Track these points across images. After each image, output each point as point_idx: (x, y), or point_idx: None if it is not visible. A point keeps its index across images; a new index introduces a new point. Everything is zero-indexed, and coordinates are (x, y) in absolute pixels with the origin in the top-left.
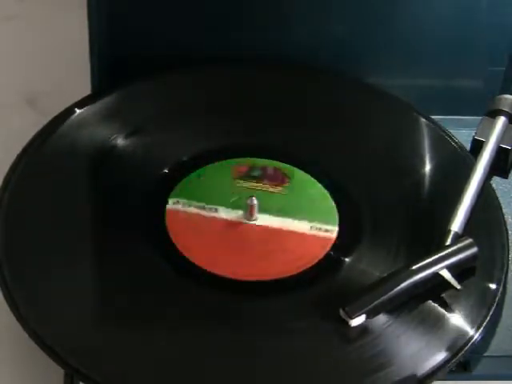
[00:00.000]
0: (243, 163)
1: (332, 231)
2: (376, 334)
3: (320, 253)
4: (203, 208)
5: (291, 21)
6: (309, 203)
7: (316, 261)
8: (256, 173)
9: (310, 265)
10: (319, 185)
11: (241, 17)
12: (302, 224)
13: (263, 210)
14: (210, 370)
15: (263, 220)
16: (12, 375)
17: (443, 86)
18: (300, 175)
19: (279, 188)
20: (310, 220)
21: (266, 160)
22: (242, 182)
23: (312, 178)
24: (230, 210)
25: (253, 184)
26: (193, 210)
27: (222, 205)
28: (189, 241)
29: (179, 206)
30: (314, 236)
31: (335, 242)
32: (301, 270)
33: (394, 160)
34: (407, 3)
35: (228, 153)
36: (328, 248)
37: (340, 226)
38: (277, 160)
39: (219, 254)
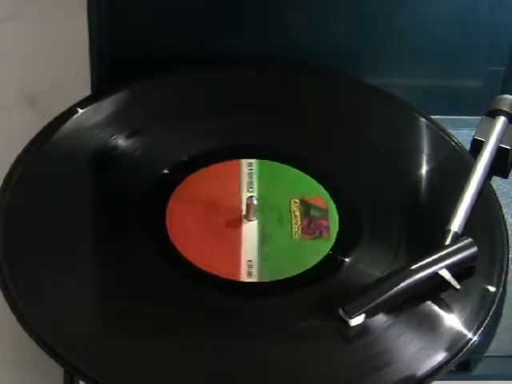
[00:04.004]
0: (324, 199)
1: (251, 276)
2: (376, 334)
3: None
4: (250, 183)
5: (291, 21)
6: (284, 257)
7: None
8: (314, 213)
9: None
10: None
11: (241, 17)
12: (251, 252)
13: (263, 223)
14: (209, 370)
15: (251, 227)
16: (12, 375)
17: (443, 85)
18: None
19: (297, 235)
20: (259, 259)
21: (335, 212)
22: (296, 204)
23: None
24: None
25: (296, 212)
26: (244, 173)
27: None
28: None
29: (244, 164)
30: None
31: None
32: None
33: (393, 160)
34: (407, 3)
35: (228, 153)
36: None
37: (340, 226)
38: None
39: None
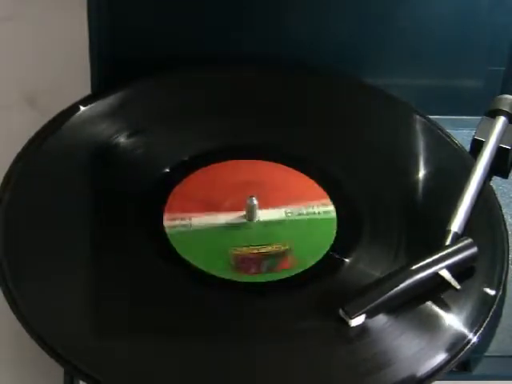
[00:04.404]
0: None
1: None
2: (376, 334)
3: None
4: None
5: (291, 21)
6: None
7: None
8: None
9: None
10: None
11: (241, 17)
12: None
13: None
14: (210, 370)
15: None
16: (12, 375)
17: (443, 85)
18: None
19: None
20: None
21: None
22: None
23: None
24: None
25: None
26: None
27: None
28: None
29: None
30: None
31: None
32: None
33: (393, 160)
34: (407, 3)
35: (228, 153)
36: None
37: (340, 226)
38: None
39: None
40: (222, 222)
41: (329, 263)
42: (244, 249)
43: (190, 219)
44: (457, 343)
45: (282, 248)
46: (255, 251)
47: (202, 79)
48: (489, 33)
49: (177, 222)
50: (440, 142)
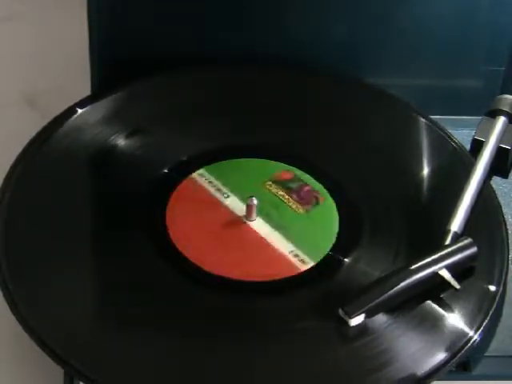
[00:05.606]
0: (289, 171)
1: (306, 263)
2: (376, 334)
3: (282, 273)
4: (218, 190)
5: (291, 21)
6: (309, 231)
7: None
8: (292, 185)
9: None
10: (336, 217)
11: (241, 17)
12: (284, 244)
13: (266, 215)
14: (210, 370)
15: (258, 224)
16: (12, 375)
17: (443, 85)
18: (329, 204)
19: (300, 209)
20: (296, 245)
21: (311, 178)
22: (273, 186)
23: (335, 212)
24: (240, 203)
25: (280, 193)
26: (208, 187)
27: (236, 194)
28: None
29: (199, 179)
30: (285, 258)
31: (302, 273)
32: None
33: (393, 160)
34: (407, 3)
35: (228, 153)
36: (293, 273)
37: (340, 226)
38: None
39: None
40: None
41: (329, 263)
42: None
43: (291, 251)
44: (456, 343)
45: (269, 182)
46: (289, 197)
47: (202, 79)
48: (489, 33)
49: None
50: (440, 142)
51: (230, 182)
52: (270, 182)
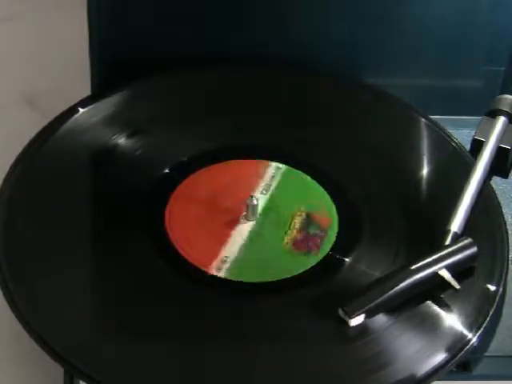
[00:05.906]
0: (326, 216)
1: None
2: (376, 334)
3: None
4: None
5: (291, 21)
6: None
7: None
8: (311, 230)
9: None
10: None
11: (241, 17)
12: None
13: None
14: (209, 370)
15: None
16: (12, 375)
17: (443, 85)
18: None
19: (287, 246)
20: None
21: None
22: (301, 216)
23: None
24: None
25: (296, 226)
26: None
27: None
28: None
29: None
30: None
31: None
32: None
33: (393, 160)
34: (407, 3)
35: (228, 153)
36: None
37: (340, 226)
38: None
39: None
40: (246, 235)
41: (329, 263)
42: (287, 236)
43: (226, 257)
44: (456, 343)
45: (304, 212)
46: (294, 232)
47: (202, 79)
48: (489, 33)
49: (220, 264)
50: (440, 142)
51: (282, 187)
52: (305, 213)
